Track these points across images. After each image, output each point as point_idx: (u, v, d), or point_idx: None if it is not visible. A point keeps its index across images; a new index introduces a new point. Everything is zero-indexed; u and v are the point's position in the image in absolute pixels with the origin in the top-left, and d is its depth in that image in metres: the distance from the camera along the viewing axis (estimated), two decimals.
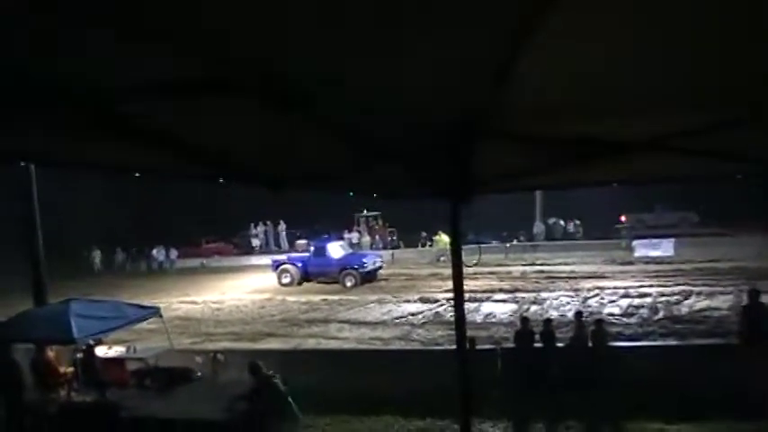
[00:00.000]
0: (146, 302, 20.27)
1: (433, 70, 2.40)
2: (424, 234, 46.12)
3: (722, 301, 24.02)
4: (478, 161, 3.69)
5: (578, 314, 16.86)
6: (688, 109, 3.05)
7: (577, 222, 45.98)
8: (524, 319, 16.74)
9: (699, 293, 25.72)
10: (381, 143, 3.29)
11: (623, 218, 46.90)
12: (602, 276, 31.61)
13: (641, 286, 28.10)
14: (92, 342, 15.68)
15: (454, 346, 5.25)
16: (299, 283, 36.72)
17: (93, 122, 2.51)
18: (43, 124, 2.62)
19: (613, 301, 25.79)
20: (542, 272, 34.45)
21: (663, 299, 25.33)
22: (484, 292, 29.02)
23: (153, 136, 2.79)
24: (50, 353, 15.78)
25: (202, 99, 2.39)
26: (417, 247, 46.92)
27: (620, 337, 19.57)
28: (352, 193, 6.18)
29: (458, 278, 4.53)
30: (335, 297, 31.58)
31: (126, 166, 4.22)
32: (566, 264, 36.34)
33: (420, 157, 3.63)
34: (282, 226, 53.61)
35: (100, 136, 2.78)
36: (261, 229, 54.36)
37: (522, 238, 45.56)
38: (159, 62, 2.09)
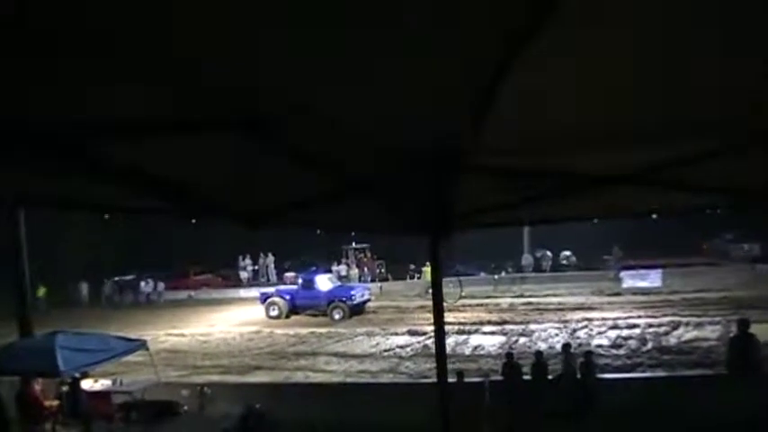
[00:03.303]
0: (133, 335, 20.19)
1: (407, 99, 2.42)
2: (412, 266, 45.96)
3: (710, 332, 24.06)
4: (458, 195, 3.72)
5: (566, 346, 16.89)
6: (668, 142, 3.08)
7: (568, 254, 45.76)
8: (509, 354, 16.83)
9: (687, 324, 25.72)
10: (358, 175, 3.32)
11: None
12: (590, 308, 31.51)
13: (629, 317, 28.04)
14: (77, 375, 15.59)
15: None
16: (287, 316, 36.44)
17: (62, 160, 2.52)
18: (14, 164, 2.63)
19: (602, 333, 25.79)
20: (531, 304, 34.29)
21: (651, 330, 25.34)
22: (472, 324, 28.93)
23: (125, 174, 2.80)
24: (36, 386, 15.66)
25: (174, 136, 2.41)
26: (406, 279, 46.73)
27: (608, 368, 19.57)
28: (330, 232, 6.18)
29: (438, 312, 4.56)
30: (323, 330, 31.40)
31: (100, 206, 4.22)
32: (554, 295, 36.23)
33: (399, 191, 3.66)
34: (271, 258, 53.38)
35: (69, 174, 2.79)
36: (249, 261, 54.13)
37: (510, 270, 45.44)
38: (130, 96, 2.11)
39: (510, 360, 16.26)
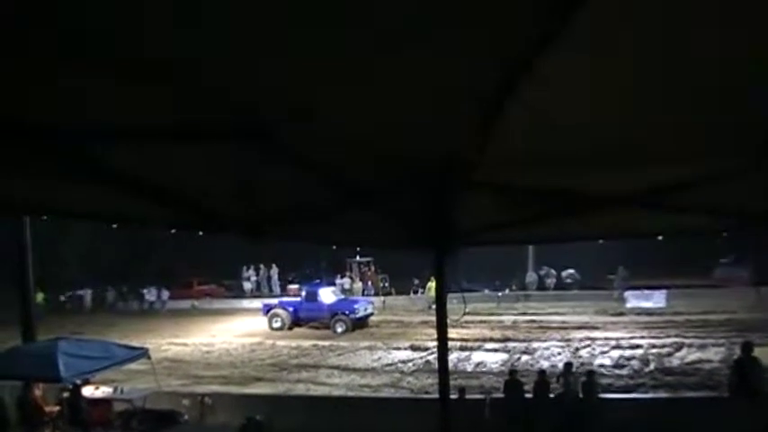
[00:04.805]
0: (135, 343, 20.21)
1: (410, 109, 2.42)
2: (416, 281, 45.80)
3: (714, 354, 23.93)
4: (462, 213, 3.72)
5: (568, 365, 16.81)
6: (674, 164, 3.08)
7: (572, 272, 45.49)
8: (512, 372, 16.79)
9: (690, 345, 25.59)
10: (361, 187, 3.32)
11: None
12: (593, 327, 31.34)
13: (633, 337, 27.89)
14: (78, 381, 15.58)
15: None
16: (290, 328, 36.35)
17: (63, 168, 2.52)
18: (18, 171, 2.63)
19: (605, 353, 25.63)
20: (534, 321, 34.19)
21: (654, 350, 25.19)
22: (475, 340, 28.82)
23: (127, 183, 2.79)
24: (37, 391, 15.67)
25: (174, 145, 2.41)
26: (409, 294, 46.59)
27: (610, 388, 19.47)
28: (335, 246, 6.16)
29: (442, 327, 4.56)
30: (326, 342, 31.33)
31: (102, 216, 4.22)
32: (557, 314, 36.10)
33: (404, 207, 3.66)
34: (274, 270, 53.32)
35: (70, 182, 2.80)
36: (252, 272, 54.06)
37: (514, 287, 45.30)
38: (130, 102, 2.11)
39: (513, 377, 16.21)
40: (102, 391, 17.31)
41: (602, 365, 23.23)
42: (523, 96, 2.13)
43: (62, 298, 51.33)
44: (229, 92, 2.13)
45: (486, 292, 43.41)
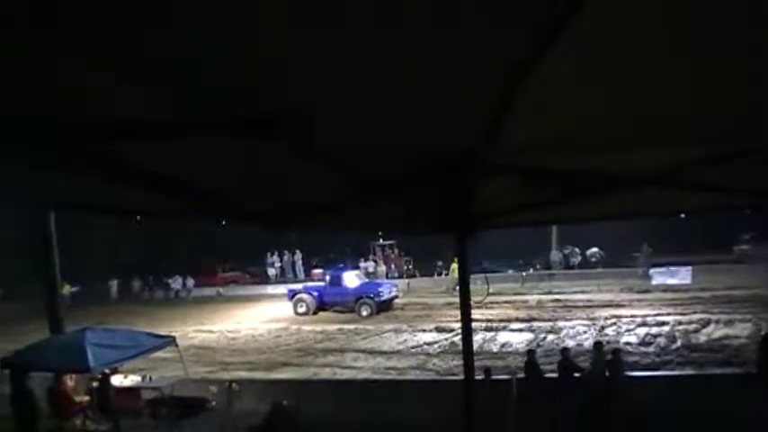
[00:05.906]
0: (161, 331, 20.33)
1: (426, 102, 2.40)
2: (439, 263, 45.84)
3: (741, 330, 23.78)
4: (482, 197, 3.70)
5: (598, 344, 16.73)
6: (690, 143, 3.06)
7: (596, 250, 45.22)
8: (530, 351, 16.76)
9: (717, 322, 25.44)
10: (380, 177, 3.31)
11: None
12: (619, 305, 31.26)
13: (659, 315, 27.78)
14: (107, 371, 15.71)
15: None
16: (315, 313, 36.54)
17: (84, 163, 2.51)
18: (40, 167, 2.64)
19: (630, 330, 25.54)
20: (558, 301, 34.14)
21: (680, 327, 25.07)
22: (500, 321, 28.85)
23: (146, 177, 2.79)
24: (69, 381, 15.83)
25: (194, 138, 2.40)
26: (433, 275, 46.66)
27: (637, 366, 19.41)
28: (354, 231, 6.17)
29: (466, 309, 4.56)
30: (351, 326, 31.48)
31: (122, 209, 4.23)
32: (582, 292, 36.00)
33: (425, 195, 3.65)
34: (298, 255, 53.58)
35: (93, 178, 2.80)
36: (277, 258, 54.33)
37: (538, 267, 45.19)
38: (133, 98, 2.11)
39: (531, 358, 16.15)
40: (131, 380, 17.47)
41: (628, 343, 23.16)
42: (538, 83, 2.11)
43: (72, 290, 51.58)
44: (258, 89, 2.12)
45: (510, 272, 43.43)
